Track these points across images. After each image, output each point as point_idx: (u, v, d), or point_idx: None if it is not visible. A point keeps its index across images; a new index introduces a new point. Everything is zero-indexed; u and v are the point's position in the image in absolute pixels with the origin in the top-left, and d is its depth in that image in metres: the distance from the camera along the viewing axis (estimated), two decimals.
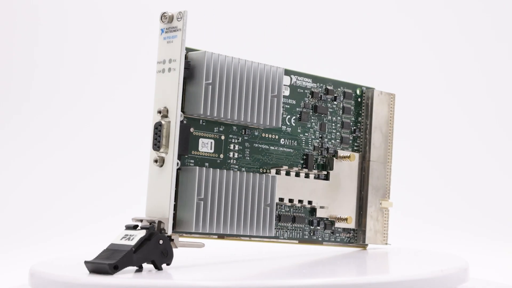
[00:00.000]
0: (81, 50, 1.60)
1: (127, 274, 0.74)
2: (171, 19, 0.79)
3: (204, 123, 0.83)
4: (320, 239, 0.92)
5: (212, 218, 0.80)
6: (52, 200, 1.43)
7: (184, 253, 0.85)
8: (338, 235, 0.94)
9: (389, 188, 0.97)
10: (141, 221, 0.78)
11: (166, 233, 0.77)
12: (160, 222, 0.77)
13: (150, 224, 0.77)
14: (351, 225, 0.94)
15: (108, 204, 1.40)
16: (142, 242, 0.76)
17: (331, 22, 1.65)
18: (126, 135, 1.53)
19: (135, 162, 1.47)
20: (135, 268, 0.76)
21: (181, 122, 0.80)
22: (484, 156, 1.55)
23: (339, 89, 0.94)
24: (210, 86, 0.80)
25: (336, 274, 0.80)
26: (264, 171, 0.87)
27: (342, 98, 0.95)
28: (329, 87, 0.93)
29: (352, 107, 0.95)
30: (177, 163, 0.80)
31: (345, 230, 0.95)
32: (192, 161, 0.82)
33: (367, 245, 0.96)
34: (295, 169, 0.89)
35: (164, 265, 0.77)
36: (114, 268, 0.73)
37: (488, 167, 1.54)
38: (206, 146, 0.83)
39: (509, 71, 1.58)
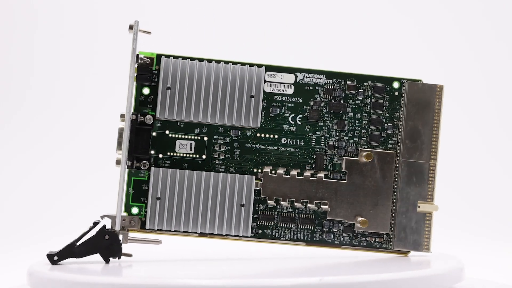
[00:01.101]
0: (80, 50, 1.58)
1: (127, 273, 0.79)
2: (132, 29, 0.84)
3: (182, 125, 0.86)
4: (337, 242, 0.88)
5: (170, 216, 0.84)
6: (52, 200, 1.43)
7: (182, 252, 0.90)
8: (364, 239, 0.88)
9: (432, 189, 0.87)
10: (103, 217, 0.85)
11: (113, 230, 0.83)
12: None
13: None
14: (379, 229, 0.87)
15: (108, 204, 1.29)
16: (83, 235, 0.83)
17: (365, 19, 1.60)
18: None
19: None
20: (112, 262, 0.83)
21: (149, 125, 0.85)
22: (484, 156, 1.53)
23: (365, 83, 0.88)
24: (169, 90, 0.84)
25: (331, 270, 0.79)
26: (258, 171, 0.86)
27: (370, 93, 0.88)
28: (350, 82, 0.88)
29: (386, 102, 0.88)
30: (146, 164, 0.85)
31: (374, 234, 0.88)
32: (168, 161, 0.86)
33: (408, 252, 0.88)
34: (296, 169, 0.87)
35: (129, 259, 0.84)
36: (53, 259, 0.82)
37: (488, 167, 1.52)
38: (184, 147, 0.86)
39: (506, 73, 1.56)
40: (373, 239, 0.88)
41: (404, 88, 0.88)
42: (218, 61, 0.85)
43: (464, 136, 1.55)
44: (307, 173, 0.87)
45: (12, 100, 1.54)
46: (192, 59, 0.85)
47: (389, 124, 0.88)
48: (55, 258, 0.82)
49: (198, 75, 0.84)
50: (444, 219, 1.35)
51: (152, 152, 0.86)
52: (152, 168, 0.84)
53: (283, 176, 0.87)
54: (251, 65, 0.86)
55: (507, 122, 1.57)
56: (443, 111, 0.89)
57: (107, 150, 1.42)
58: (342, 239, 0.88)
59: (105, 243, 0.83)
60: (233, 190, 0.85)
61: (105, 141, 1.43)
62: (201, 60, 0.85)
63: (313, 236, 0.87)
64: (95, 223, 0.83)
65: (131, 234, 0.84)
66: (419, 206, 0.87)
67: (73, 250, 0.82)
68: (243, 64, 0.85)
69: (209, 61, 0.85)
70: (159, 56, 0.85)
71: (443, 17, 1.61)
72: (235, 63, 0.85)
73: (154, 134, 0.86)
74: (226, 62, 0.85)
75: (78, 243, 0.82)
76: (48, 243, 1.15)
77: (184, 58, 0.85)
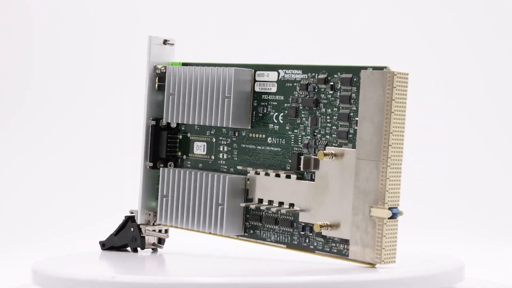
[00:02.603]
0: (80, 48, 1.57)
1: (129, 271, 0.85)
2: None
3: (198, 128, 0.90)
4: (311, 247, 0.81)
5: (171, 213, 0.89)
6: (52, 200, 1.38)
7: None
8: (334, 245, 0.79)
9: (383, 192, 0.74)
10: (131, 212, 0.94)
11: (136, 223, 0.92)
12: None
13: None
14: (344, 235, 0.78)
15: (107, 203, 1.31)
16: (121, 228, 0.94)
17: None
18: (126, 134, 1.47)
19: (134, 161, 1.32)
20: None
21: (173, 128, 0.92)
22: (484, 156, 1.55)
23: (335, 75, 0.79)
24: (171, 96, 0.90)
25: (322, 272, 0.78)
26: (248, 171, 0.86)
27: (339, 86, 0.79)
28: (321, 76, 0.80)
29: (354, 94, 0.78)
30: (172, 165, 0.92)
31: (343, 240, 0.78)
32: (189, 162, 0.91)
33: (374, 263, 0.76)
34: (278, 170, 0.83)
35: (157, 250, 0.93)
36: (102, 246, 0.95)
37: (488, 167, 1.54)
38: (200, 148, 0.91)
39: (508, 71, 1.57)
40: (342, 246, 0.79)
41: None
42: (200, 65, 0.88)
43: (464, 136, 1.55)
44: (283, 174, 0.83)
45: (12, 100, 1.55)
46: (185, 64, 0.90)
47: (356, 118, 0.78)
48: (103, 244, 0.95)
49: (193, 79, 0.89)
50: (444, 219, 1.42)
51: (179, 153, 0.93)
52: (161, 169, 0.91)
53: (264, 176, 0.85)
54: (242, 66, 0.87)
55: (507, 123, 1.55)
56: (408, 102, 0.76)
57: (107, 150, 1.49)
58: (315, 244, 0.81)
59: (131, 235, 0.93)
60: (212, 190, 0.87)
61: (104, 141, 1.49)
62: (187, 65, 0.89)
63: (292, 239, 0.83)
64: (127, 217, 0.94)
65: (149, 227, 0.93)
66: (371, 211, 0.76)
67: (113, 240, 0.95)
68: (226, 68, 0.86)
69: (188, 64, 0.89)
70: (184, 65, 0.92)
71: (440, 12, 1.60)
72: (224, 65, 0.87)
73: (180, 137, 0.93)
74: (213, 65, 0.88)
75: (116, 234, 0.95)
76: (48, 243, 1.18)
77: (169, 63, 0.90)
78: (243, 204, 0.86)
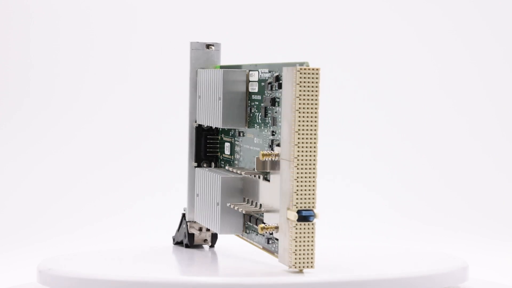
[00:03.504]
0: (80, 47, 1.56)
1: (132, 270, 0.85)
2: None
3: (226, 129, 0.92)
4: (273, 248, 0.78)
5: (199, 212, 0.92)
6: (53, 199, 1.42)
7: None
8: None
9: (292, 194, 0.69)
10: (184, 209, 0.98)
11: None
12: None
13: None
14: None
15: (108, 203, 1.32)
16: (180, 224, 0.98)
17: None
18: (126, 134, 1.51)
19: (135, 161, 1.46)
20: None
21: (203, 129, 0.94)
22: (484, 156, 1.55)
23: (282, 73, 0.76)
24: (199, 98, 0.92)
25: (335, 270, 0.80)
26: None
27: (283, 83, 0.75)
28: (276, 74, 0.77)
29: None
30: (212, 165, 0.95)
31: None
32: (222, 162, 0.93)
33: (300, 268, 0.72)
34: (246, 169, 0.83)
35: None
36: (173, 240, 1.00)
37: (488, 167, 1.54)
38: (227, 149, 0.92)
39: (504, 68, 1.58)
40: None
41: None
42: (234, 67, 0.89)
43: (463, 136, 1.55)
44: (256, 175, 0.82)
45: (12, 99, 1.52)
46: (223, 67, 0.91)
47: None
48: (173, 239, 1.01)
49: (205, 82, 0.91)
50: (444, 219, 1.43)
51: (218, 153, 0.95)
52: (195, 169, 0.94)
53: (249, 177, 0.84)
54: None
55: (506, 123, 1.56)
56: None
57: (107, 149, 1.49)
58: (275, 246, 0.79)
59: (183, 231, 0.97)
60: (210, 190, 0.88)
61: (105, 141, 1.50)
62: None
63: (264, 240, 0.81)
64: (183, 214, 0.98)
65: (195, 225, 0.96)
66: (287, 214, 0.72)
67: (177, 235, 1.00)
68: (215, 70, 0.87)
69: (225, 67, 0.90)
70: (222, 68, 0.94)
71: (438, 14, 1.59)
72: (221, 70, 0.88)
73: (219, 138, 0.95)
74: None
75: (178, 230, 0.99)
76: (48, 243, 1.13)
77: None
78: (228, 204, 0.86)
